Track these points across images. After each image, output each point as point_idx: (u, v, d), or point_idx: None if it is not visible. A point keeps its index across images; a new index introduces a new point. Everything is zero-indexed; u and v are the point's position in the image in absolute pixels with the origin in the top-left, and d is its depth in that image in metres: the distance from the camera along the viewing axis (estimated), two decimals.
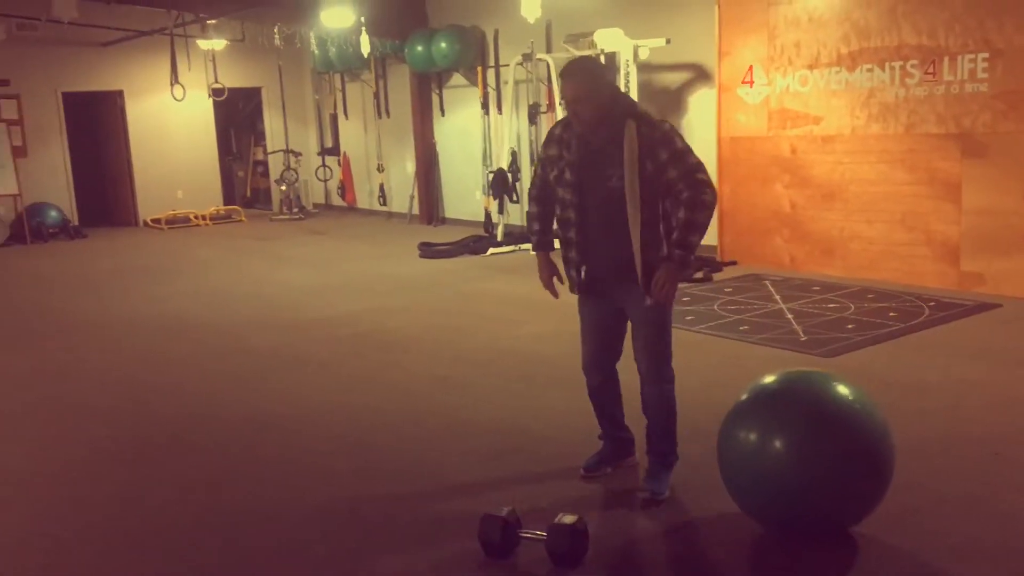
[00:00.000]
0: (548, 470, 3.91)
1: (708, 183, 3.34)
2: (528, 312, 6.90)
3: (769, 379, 3.25)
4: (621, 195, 3.38)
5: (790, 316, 6.38)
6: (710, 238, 8.77)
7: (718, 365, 5.29)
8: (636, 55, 8.50)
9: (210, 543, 3.41)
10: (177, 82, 11.07)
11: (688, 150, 3.38)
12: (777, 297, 6.99)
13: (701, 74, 8.86)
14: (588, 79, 3.41)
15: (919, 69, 7.02)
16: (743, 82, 8.18)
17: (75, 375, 5.84)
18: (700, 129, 8.91)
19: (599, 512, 3.51)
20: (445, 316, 6.98)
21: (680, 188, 3.32)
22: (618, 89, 3.51)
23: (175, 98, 11.25)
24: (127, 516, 3.68)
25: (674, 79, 9.16)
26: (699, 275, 7.91)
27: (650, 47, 8.53)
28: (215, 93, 12.17)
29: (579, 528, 3.09)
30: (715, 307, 6.76)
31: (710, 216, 3.33)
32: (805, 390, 3.20)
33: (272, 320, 7.08)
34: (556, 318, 6.65)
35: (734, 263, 8.39)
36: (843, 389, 3.16)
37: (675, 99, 9.17)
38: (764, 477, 3.08)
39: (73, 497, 3.89)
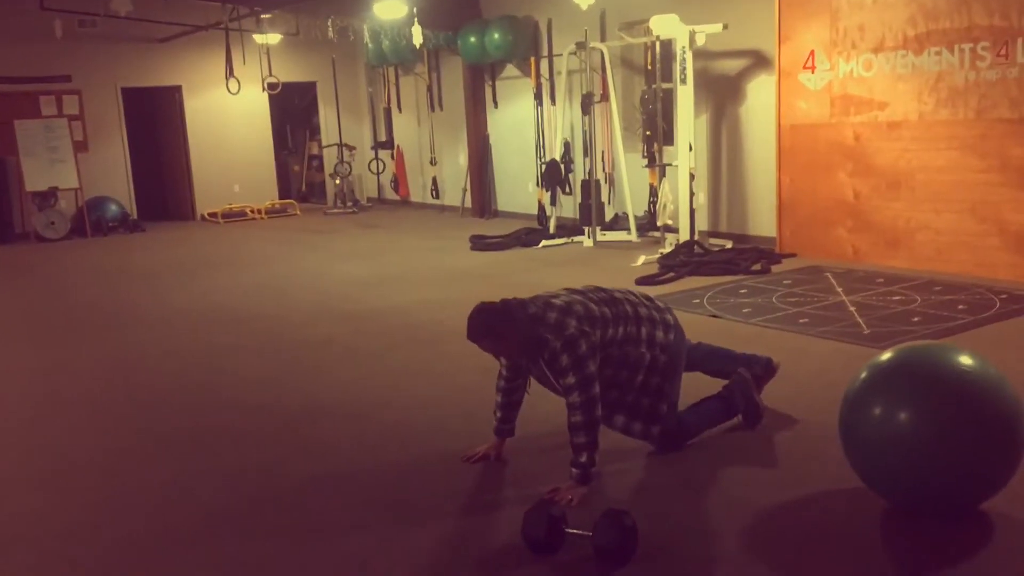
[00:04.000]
0: (600, 466, 3.76)
1: (576, 405, 3.38)
2: None
3: (891, 353, 3.24)
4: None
5: (852, 309, 6.14)
6: (768, 229, 8.60)
7: (777, 358, 5.06)
8: (692, 41, 8.28)
9: (255, 529, 3.34)
10: (232, 76, 11.15)
11: (570, 367, 3.38)
12: (839, 289, 6.74)
13: (760, 60, 8.61)
14: (492, 338, 3.48)
15: (991, 52, 6.70)
16: (804, 67, 7.91)
17: (127, 365, 5.85)
18: (759, 117, 8.67)
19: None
20: None
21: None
22: (523, 322, 3.45)
23: (230, 92, 11.35)
24: (177, 503, 3.64)
25: (732, 66, 8.92)
26: (757, 267, 7.69)
27: (707, 33, 8.30)
28: (269, 87, 12.22)
29: (627, 524, 2.95)
30: (773, 299, 6.54)
31: (590, 428, 3.39)
32: (930, 361, 3.14)
33: (325, 312, 7.04)
34: None
35: (793, 255, 8.13)
36: (969, 360, 3.08)
37: (733, 86, 8.93)
38: (891, 450, 3.03)
39: (122, 483, 3.87)
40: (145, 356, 6.05)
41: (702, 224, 9.23)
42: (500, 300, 3.52)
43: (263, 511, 3.53)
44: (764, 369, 4.27)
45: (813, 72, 7.85)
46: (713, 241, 8.98)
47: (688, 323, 5.96)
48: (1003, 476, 3.04)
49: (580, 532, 3.03)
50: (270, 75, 11.83)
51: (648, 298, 3.80)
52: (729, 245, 8.79)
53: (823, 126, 7.85)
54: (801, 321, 5.88)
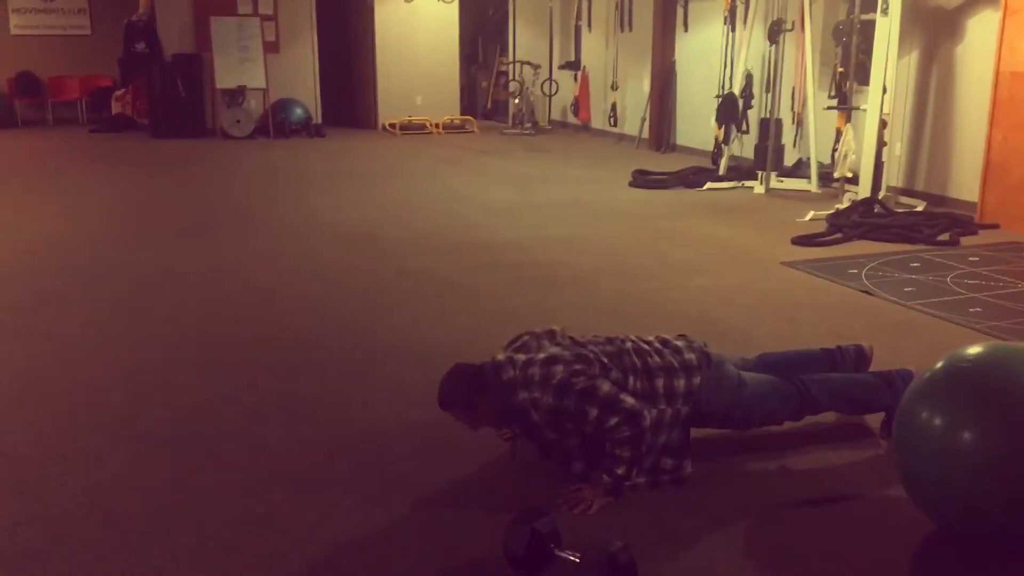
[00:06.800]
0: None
1: (618, 424, 2.78)
2: (715, 260, 5.99)
3: (978, 348, 2.61)
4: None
5: None
6: (971, 193, 7.35)
7: (918, 355, 4.16)
8: None
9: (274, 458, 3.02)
10: None
11: (581, 403, 2.80)
12: None
13: None
14: (462, 409, 2.95)
15: None
16: None
17: (227, 271, 5.71)
18: (977, 60, 7.36)
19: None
20: (625, 255, 6.23)
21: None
22: (496, 391, 2.89)
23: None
24: (212, 426, 3.38)
25: None
26: (944, 237, 6.57)
27: None
28: None
29: (620, 560, 2.36)
30: (948, 279, 5.50)
31: (637, 441, 2.81)
32: (1016, 370, 2.46)
33: (444, 239, 6.65)
34: (742, 272, 5.74)
35: (995, 227, 6.91)
36: None
37: (950, 22, 7.61)
38: (945, 466, 2.45)
39: (142, 399, 3.67)
40: (248, 264, 5.90)
41: (894, 180, 8.07)
42: (477, 364, 2.98)
43: (267, 460, 3.19)
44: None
45: None
46: (903, 200, 7.83)
47: (832, 298, 5.17)
48: None
49: (569, 556, 2.48)
50: None
51: (664, 341, 3.11)
52: (921, 207, 7.62)
53: None
54: (971, 310, 4.88)
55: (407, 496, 2.95)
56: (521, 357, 2.93)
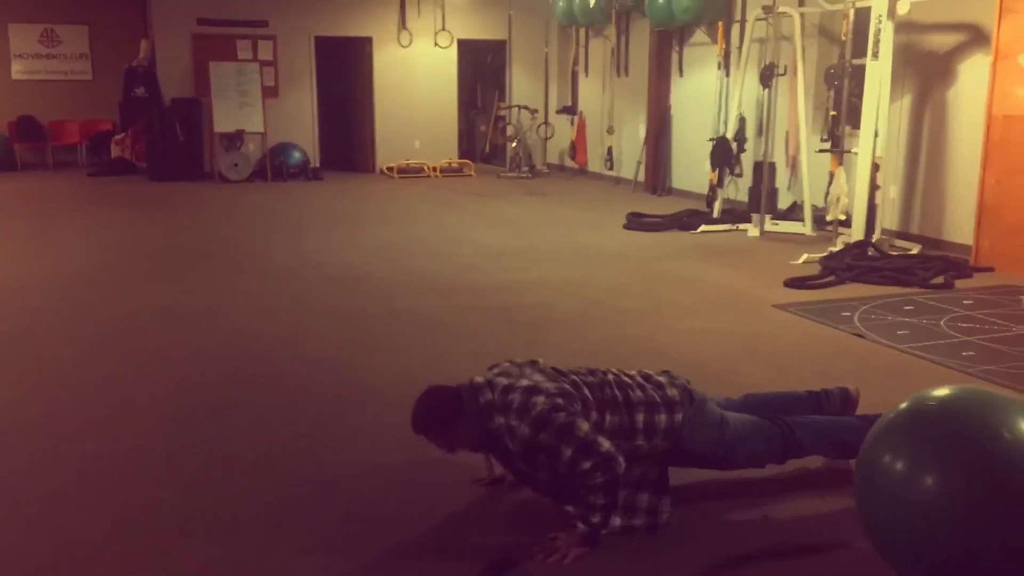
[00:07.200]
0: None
1: (591, 469, 2.69)
2: (707, 303, 5.94)
3: (943, 391, 2.54)
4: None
5: None
6: (966, 237, 7.32)
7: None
8: (893, 10, 7.09)
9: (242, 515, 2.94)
10: (404, 28, 10.93)
11: (557, 441, 2.71)
12: None
13: (975, 36, 7.29)
14: (436, 433, 2.89)
15: None
16: None
17: (210, 312, 5.67)
18: (969, 104, 7.37)
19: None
20: (616, 296, 6.19)
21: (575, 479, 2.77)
22: (473, 415, 2.82)
23: (401, 44, 11.14)
24: (151, 492, 3.31)
25: (940, 42, 7.62)
26: (938, 280, 6.52)
27: (912, 0, 7.09)
28: (441, 43, 11.94)
29: None
30: (941, 322, 5.45)
31: (611, 488, 2.73)
32: (980, 415, 2.37)
33: (437, 282, 6.61)
34: (734, 315, 5.68)
35: (990, 270, 6.87)
36: None
37: (942, 66, 7.64)
38: (911, 522, 2.32)
39: (106, 449, 3.60)
40: (236, 305, 5.85)
41: (891, 223, 8.04)
42: (454, 386, 2.90)
43: (254, 495, 3.12)
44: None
45: None
46: (899, 243, 7.79)
47: (824, 340, 5.11)
48: None
49: None
50: (442, 28, 11.49)
51: (646, 376, 3.06)
52: (915, 250, 7.58)
53: None
54: (964, 354, 4.81)
55: (379, 543, 2.87)
56: (502, 381, 2.86)
